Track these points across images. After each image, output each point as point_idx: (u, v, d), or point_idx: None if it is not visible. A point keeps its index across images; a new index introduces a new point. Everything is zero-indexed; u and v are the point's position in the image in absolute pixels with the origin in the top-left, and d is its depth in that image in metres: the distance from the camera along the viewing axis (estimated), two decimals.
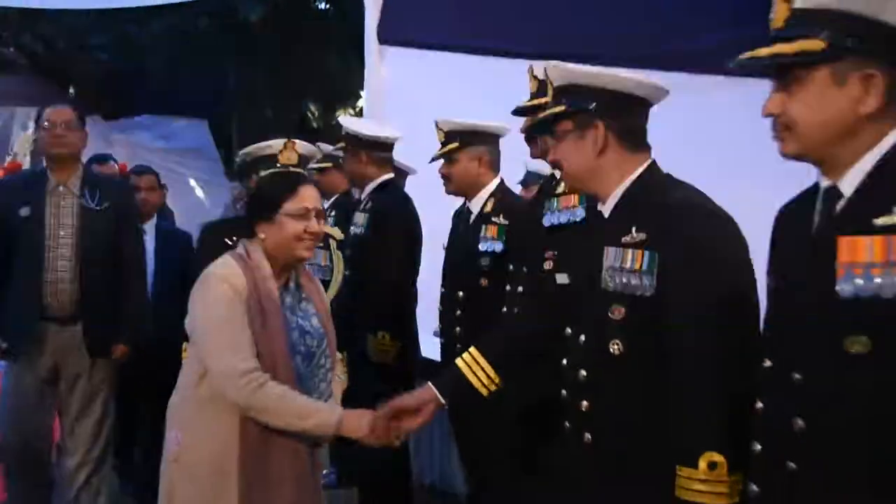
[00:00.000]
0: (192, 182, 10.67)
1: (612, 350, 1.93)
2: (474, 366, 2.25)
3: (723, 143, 3.73)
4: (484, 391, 2.24)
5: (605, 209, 2.01)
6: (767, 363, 1.58)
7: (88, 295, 3.58)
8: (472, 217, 3.31)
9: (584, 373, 2.00)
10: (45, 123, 3.66)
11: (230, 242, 2.85)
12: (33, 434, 3.63)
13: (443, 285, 3.43)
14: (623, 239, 1.95)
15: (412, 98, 4.91)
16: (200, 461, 2.30)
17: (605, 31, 5.21)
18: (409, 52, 5.19)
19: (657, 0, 4.72)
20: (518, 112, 2.88)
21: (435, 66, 5.15)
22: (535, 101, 2.75)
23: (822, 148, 1.53)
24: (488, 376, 2.24)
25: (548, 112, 2.03)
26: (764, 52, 1.54)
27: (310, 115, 10.92)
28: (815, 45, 1.48)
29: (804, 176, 1.61)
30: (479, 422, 3.07)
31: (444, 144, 3.35)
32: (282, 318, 2.37)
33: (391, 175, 3.83)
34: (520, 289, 2.68)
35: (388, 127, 3.98)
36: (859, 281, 1.39)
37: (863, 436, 1.40)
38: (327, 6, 11.08)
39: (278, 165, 3.14)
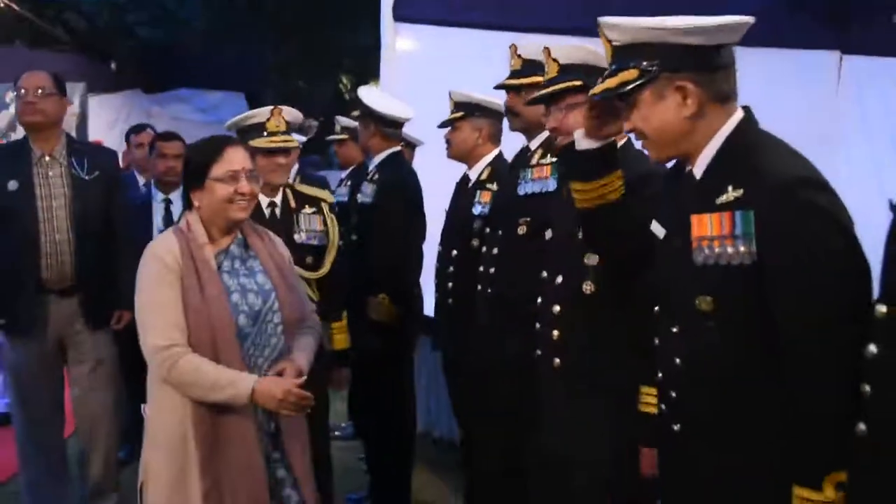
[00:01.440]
0: None
1: (584, 290, 2.32)
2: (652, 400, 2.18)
3: None
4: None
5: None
6: (657, 310, 1.92)
7: (85, 266, 3.52)
8: (470, 184, 3.60)
9: (557, 308, 2.38)
10: (19, 91, 3.51)
11: None
12: (42, 409, 3.59)
13: (440, 244, 3.73)
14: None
15: (426, 72, 5.13)
16: (163, 431, 2.36)
17: (621, 3, 5.42)
18: (423, 28, 5.42)
19: None
20: (503, 86, 3.04)
21: (449, 40, 5.39)
22: (525, 80, 2.94)
23: (670, 148, 1.85)
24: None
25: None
26: (597, 88, 1.88)
27: (342, 87, 11.19)
28: (631, 74, 1.79)
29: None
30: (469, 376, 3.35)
31: (452, 113, 3.64)
32: (219, 283, 2.40)
33: (398, 148, 4.06)
34: (495, 250, 2.98)
35: (401, 105, 4.09)
36: (706, 251, 1.70)
37: (715, 380, 1.72)
38: None
39: (265, 133, 3.20)
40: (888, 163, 6.55)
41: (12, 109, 10.32)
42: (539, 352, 2.45)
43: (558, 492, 2.48)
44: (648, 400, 2.13)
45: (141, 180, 4.83)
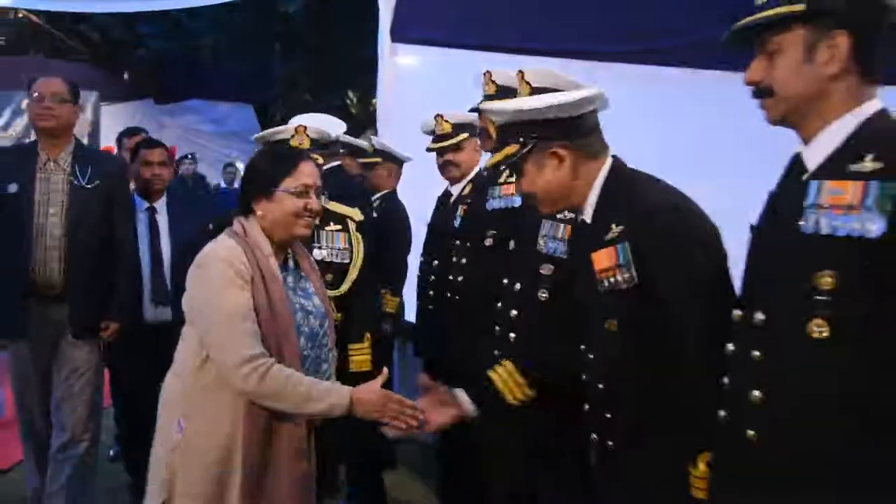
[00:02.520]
0: (239, 164, 11.26)
1: (540, 296, 2.56)
2: (509, 380, 2.36)
3: (725, 134, 4.00)
4: (515, 403, 2.35)
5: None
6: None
7: (74, 274, 3.49)
8: (452, 199, 3.84)
9: (514, 312, 2.63)
10: (35, 95, 3.50)
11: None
12: (36, 414, 3.60)
13: (422, 255, 3.99)
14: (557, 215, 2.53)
15: (421, 92, 5.37)
16: (207, 447, 2.23)
17: (612, 28, 5.66)
18: (419, 49, 5.67)
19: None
20: (477, 109, 3.16)
21: (445, 61, 5.64)
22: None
23: (558, 203, 2.10)
24: (522, 391, 2.35)
25: (503, 155, 2.10)
26: (487, 163, 2.06)
27: (348, 101, 11.51)
28: (513, 148, 2.03)
29: None
30: None
31: (449, 136, 3.83)
32: (287, 298, 2.32)
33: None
34: (464, 260, 3.24)
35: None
36: (605, 282, 1.98)
37: (628, 387, 1.98)
38: None
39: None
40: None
41: (88, 115, 10.77)
42: (497, 352, 2.70)
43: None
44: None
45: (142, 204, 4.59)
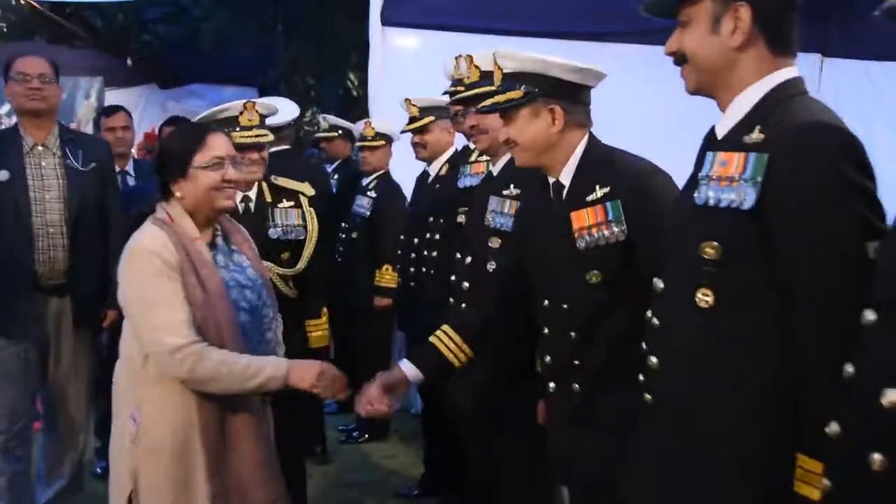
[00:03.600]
0: None
1: (488, 268, 2.76)
2: (448, 342, 2.50)
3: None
4: (457, 363, 2.50)
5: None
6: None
7: (79, 261, 3.38)
8: (430, 179, 4.05)
9: (466, 284, 2.84)
10: (17, 75, 3.35)
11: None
12: (16, 411, 3.40)
13: (402, 234, 4.20)
14: (504, 191, 2.74)
15: (412, 75, 5.54)
16: (163, 439, 2.25)
17: (602, 8, 5.81)
18: (410, 32, 5.84)
19: None
20: (458, 101, 3.23)
21: (435, 44, 5.80)
22: (479, 90, 3.02)
23: (536, 157, 2.28)
24: (462, 350, 2.50)
25: (505, 97, 2.26)
26: (486, 102, 2.29)
27: (350, 84, 11.65)
28: (517, 94, 2.20)
29: None
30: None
31: (416, 119, 4.07)
32: (219, 278, 2.32)
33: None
34: (437, 236, 3.44)
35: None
36: (586, 238, 2.20)
37: (603, 334, 2.19)
38: None
39: (238, 128, 3.10)
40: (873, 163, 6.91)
41: (92, 101, 10.93)
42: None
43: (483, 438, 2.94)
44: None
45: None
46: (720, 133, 1.71)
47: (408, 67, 5.68)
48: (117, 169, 4.18)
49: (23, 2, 9.81)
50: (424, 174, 4.15)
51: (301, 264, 3.34)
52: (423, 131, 4.08)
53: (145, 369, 2.27)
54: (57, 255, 3.35)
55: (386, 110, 5.32)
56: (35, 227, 3.31)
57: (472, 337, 2.49)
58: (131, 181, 4.54)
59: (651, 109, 4.90)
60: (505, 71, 2.30)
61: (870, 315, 1.28)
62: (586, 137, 2.29)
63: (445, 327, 2.50)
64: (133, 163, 4.81)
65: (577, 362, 2.21)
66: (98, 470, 4.36)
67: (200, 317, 2.24)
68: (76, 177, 3.42)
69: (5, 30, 11.24)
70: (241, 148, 3.02)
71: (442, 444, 3.93)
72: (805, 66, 6.44)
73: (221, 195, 2.35)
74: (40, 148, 3.40)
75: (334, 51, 11.05)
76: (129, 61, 11.45)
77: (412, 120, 4.07)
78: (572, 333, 2.21)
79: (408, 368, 2.46)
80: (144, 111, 10.79)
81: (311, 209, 3.44)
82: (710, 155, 1.67)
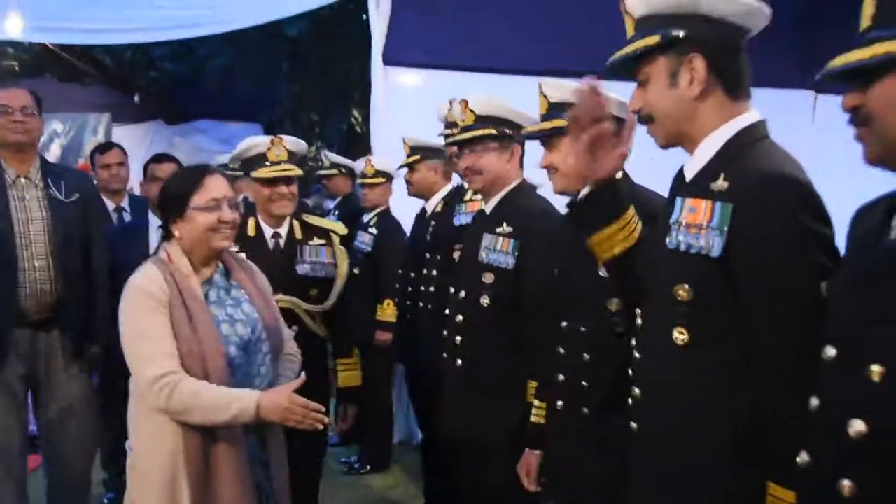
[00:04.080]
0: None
1: (482, 302, 2.86)
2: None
3: None
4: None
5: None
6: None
7: (67, 294, 3.34)
8: (427, 215, 4.21)
9: (460, 317, 2.95)
10: (2, 108, 3.31)
11: None
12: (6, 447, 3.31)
13: (401, 269, 4.35)
14: (497, 229, 2.88)
15: (413, 113, 5.72)
16: (151, 467, 2.33)
17: (599, 47, 5.99)
18: (411, 71, 6.04)
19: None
20: (452, 143, 3.24)
21: (436, 82, 6.00)
22: (475, 133, 3.04)
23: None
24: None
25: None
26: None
27: (354, 120, 11.87)
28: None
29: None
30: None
31: (407, 157, 4.27)
32: (209, 313, 2.39)
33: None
34: (434, 272, 3.58)
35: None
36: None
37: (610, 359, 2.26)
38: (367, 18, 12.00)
39: (267, 163, 3.20)
40: (868, 197, 7.05)
41: (100, 137, 11.13)
42: (445, 354, 3.04)
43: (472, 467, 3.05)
44: (531, 392, 2.70)
45: (110, 205, 4.74)
46: (688, 176, 1.81)
47: (409, 105, 5.85)
48: (113, 205, 4.37)
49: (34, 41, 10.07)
50: (422, 211, 4.31)
51: (330, 302, 3.36)
52: (411, 169, 4.27)
53: (142, 400, 2.36)
54: (44, 289, 3.31)
55: (387, 147, 5.48)
56: (20, 260, 3.27)
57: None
58: (127, 217, 4.64)
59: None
60: (551, 101, 2.55)
61: (830, 350, 1.36)
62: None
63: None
64: (129, 198, 4.87)
65: (585, 384, 2.28)
66: (105, 501, 4.47)
67: (186, 350, 2.31)
68: (60, 208, 3.39)
69: (17, 68, 11.50)
70: (269, 182, 3.22)
71: (441, 474, 4.04)
72: (799, 103, 6.66)
73: (218, 235, 2.42)
74: (23, 180, 3.37)
75: (338, 88, 11.28)
76: (136, 98, 11.72)
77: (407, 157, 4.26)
78: (586, 356, 2.32)
79: None
80: (151, 146, 10.99)
81: (343, 248, 3.49)
82: (679, 200, 1.78)
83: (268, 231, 3.30)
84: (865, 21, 1.30)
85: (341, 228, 3.56)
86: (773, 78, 6.66)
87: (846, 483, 1.27)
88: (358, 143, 11.20)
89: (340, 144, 12.11)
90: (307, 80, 11.59)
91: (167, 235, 2.48)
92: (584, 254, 2.11)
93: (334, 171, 5.84)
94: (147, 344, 2.30)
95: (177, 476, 2.30)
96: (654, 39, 1.76)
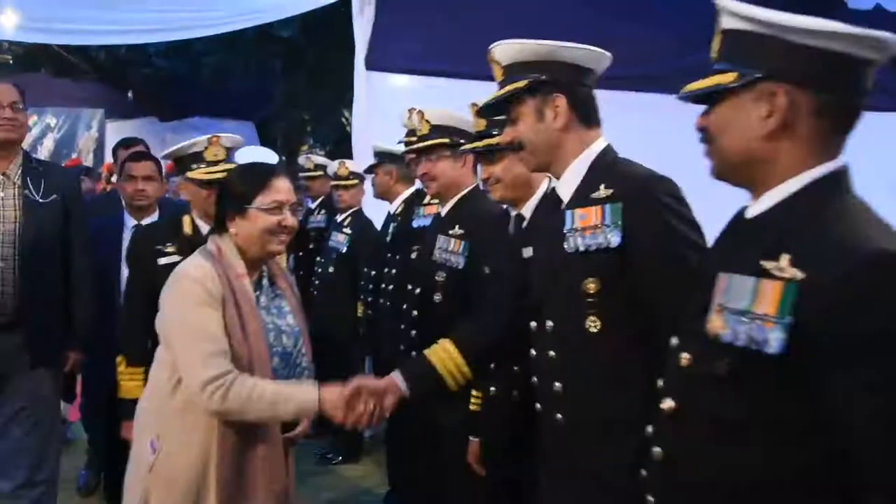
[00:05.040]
0: None
1: (434, 298, 3.13)
2: (448, 360, 2.32)
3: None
4: (454, 386, 2.34)
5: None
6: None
7: (31, 297, 3.23)
8: (389, 217, 4.51)
9: (415, 312, 3.22)
10: None
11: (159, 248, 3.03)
12: None
13: (365, 267, 4.64)
14: (450, 231, 3.15)
15: (393, 115, 5.98)
16: (180, 470, 2.25)
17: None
18: (392, 77, 6.30)
19: (618, 31, 5.75)
20: (410, 151, 3.44)
21: (417, 87, 6.27)
22: (430, 142, 3.28)
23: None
24: (461, 371, 2.32)
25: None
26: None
27: (344, 120, 12.15)
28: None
29: None
30: None
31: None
32: (259, 318, 2.33)
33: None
34: (393, 270, 3.86)
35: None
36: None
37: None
38: None
39: (204, 163, 3.11)
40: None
41: (93, 132, 11.37)
42: (402, 347, 3.31)
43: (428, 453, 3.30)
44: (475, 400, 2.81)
45: (130, 222, 4.18)
46: (565, 195, 2.12)
47: (390, 110, 6.11)
48: (133, 222, 3.97)
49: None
50: (388, 213, 4.61)
51: None
52: (375, 173, 4.58)
53: (172, 398, 2.28)
54: (6, 290, 3.19)
55: (368, 150, 5.76)
56: None
57: (474, 357, 2.35)
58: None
59: (644, 152, 5.31)
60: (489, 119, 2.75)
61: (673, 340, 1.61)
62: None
63: (446, 342, 2.35)
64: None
65: (558, 385, 2.22)
66: (81, 482, 4.64)
67: (236, 352, 2.24)
68: (34, 209, 3.28)
69: (11, 62, 11.77)
70: (205, 183, 3.08)
71: (405, 464, 4.30)
72: None
73: (275, 239, 2.37)
74: (1, 177, 3.28)
75: (330, 87, 11.55)
76: (130, 94, 11.97)
77: None
78: (550, 353, 2.32)
79: (399, 381, 2.31)
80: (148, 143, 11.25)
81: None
82: (568, 213, 2.07)
83: (204, 230, 3.14)
84: (713, 53, 1.51)
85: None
86: None
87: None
88: (348, 144, 11.46)
89: (332, 142, 12.40)
90: (299, 80, 11.88)
91: (219, 229, 2.41)
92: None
93: (319, 172, 6.11)
94: (201, 341, 2.21)
95: (206, 482, 2.24)
96: (523, 83, 2.06)
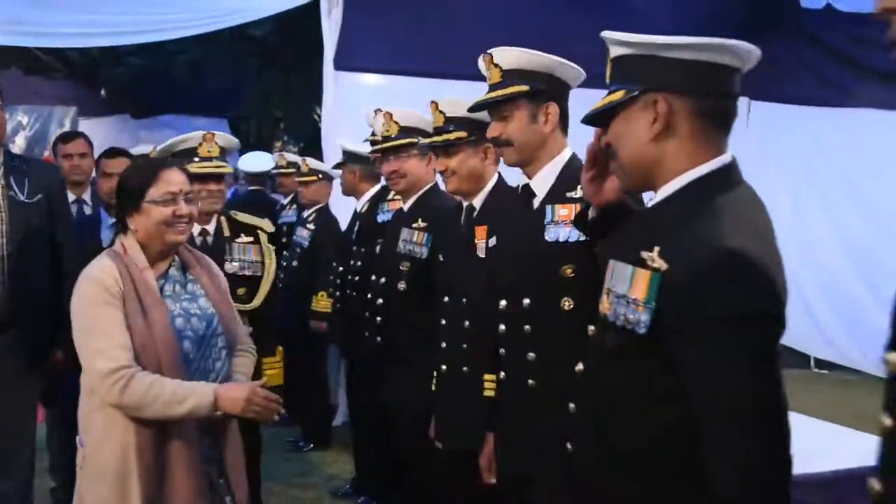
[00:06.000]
0: None
1: (399, 287, 3.39)
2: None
3: None
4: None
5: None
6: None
7: (24, 299, 3.20)
8: (356, 213, 4.76)
9: (380, 301, 3.48)
10: None
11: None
12: None
13: (334, 260, 4.90)
14: (413, 224, 3.41)
15: (362, 115, 6.21)
16: (104, 464, 2.32)
17: (564, 52, 6.50)
18: (361, 76, 6.55)
19: (591, 28, 6.00)
20: (376, 151, 3.77)
21: (386, 87, 6.52)
22: (397, 142, 3.64)
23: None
24: None
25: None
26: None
27: (316, 117, 12.33)
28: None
29: None
30: None
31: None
32: (163, 307, 2.39)
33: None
34: (358, 263, 4.12)
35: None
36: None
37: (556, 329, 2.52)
38: None
39: (197, 158, 3.22)
40: (793, 204, 7.65)
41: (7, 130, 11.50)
42: (366, 333, 3.57)
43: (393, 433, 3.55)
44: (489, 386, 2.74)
45: (70, 197, 4.13)
46: (540, 192, 2.44)
47: (359, 108, 6.33)
48: (73, 197, 4.03)
49: None
50: (355, 211, 4.86)
51: (256, 301, 3.43)
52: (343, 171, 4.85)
53: (93, 395, 2.36)
54: None
55: (338, 148, 5.99)
56: None
57: None
58: (87, 210, 4.39)
59: None
60: (448, 115, 3.04)
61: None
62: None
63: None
64: (91, 190, 4.59)
65: (530, 355, 2.47)
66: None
67: (139, 343, 2.31)
68: (20, 209, 3.26)
69: None
70: (200, 178, 3.16)
71: (370, 446, 4.55)
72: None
73: (172, 230, 2.44)
74: None
75: (302, 85, 11.74)
76: (102, 92, 12.13)
77: None
78: (526, 327, 2.53)
79: None
80: (118, 141, 11.32)
81: (270, 246, 3.57)
82: (548, 208, 2.41)
83: (195, 228, 3.28)
84: (608, 77, 1.75)
85: (268, 226, 3.64)
86: None
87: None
88: (320, 141, 11.65)
89: (305, 141, 12.58)
90: (273, 77, 12.04)
91: (123, 228, 2.49)
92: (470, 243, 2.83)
93: (291, 169, 6.35)
94: (100, 337, 2.30)
95: (128, 471, 2.30)
96: (524, 88, 2.38)
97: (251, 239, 3.49)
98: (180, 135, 10.65)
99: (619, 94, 1.68)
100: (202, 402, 2.28)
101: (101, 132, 11.61)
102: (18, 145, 11.49)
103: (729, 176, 1.63)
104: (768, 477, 1.42)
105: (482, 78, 5.68)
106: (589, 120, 1.80)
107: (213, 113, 12.52)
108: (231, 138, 3.50)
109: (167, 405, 2.25)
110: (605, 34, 1.73)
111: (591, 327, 1.81)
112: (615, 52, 1.72)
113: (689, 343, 1.46)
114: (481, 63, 2.50)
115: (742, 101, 5.82)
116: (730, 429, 1.42)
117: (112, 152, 4.13)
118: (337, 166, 4.91)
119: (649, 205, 1.74)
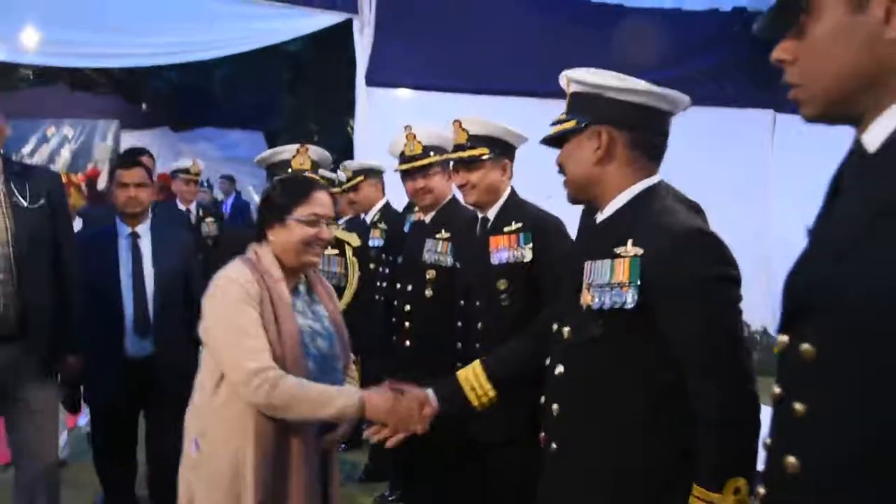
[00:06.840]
0: (250, 188, 12.57)
1: (426, 294, 3.62)
2: (473, 380, 2.48)
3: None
4: (477, 402, 2.45)
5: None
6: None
7: (32, 308, 3.16)
8: (368, 224, 4.97)
9: (407, 307, 3.69)
10: None
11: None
12: None
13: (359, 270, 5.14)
14: (437, 235, 3.65)
15: (393, 130, 6.42)
16: (220, 468, 2.31)
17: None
18: (392, 92, 6.80)
19: (612, 38, 6.21)
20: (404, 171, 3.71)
21: (416, 101, 6.77)
22: (424, 161, 3.66)
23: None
24: (483, 389, 2.45)
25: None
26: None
27: (349, 130, 12.64)
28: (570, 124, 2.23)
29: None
30: None
31: (349, 180, 5.07)
32: (294, 320, 2.39)
33: None
34: (387, 270, 4.35)
35: None
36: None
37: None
38: None
39: (290, 170, 3.25)
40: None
41: (109, 143, 11.93)
42: (395, 338, 3.79)
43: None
44: None
45: (124, 230, 3.80)
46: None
47: (391, 124, 6.55)
48: (128, 230, 3.76)
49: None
50: (363, 221, 5.03)
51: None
52: (355, 190, 5.05)
53: (215, 396, 2.34)
54: (6, 303, 3.12)
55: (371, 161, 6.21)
56: None
57: (500, 378, 2.50)
58: (145, 245, 3.79)
59: None
60: (471, 133, 3.18)
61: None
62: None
63: (476, 363, 2.54)
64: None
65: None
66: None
67: (271, 352, 2.30)
68: (23, 215, 3.20)
69: (31, 77, 12.31)
70: None
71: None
72: (758, 121, 7.26)
73: (310, 251, 2.45)
74: None
75: (335, 99, 12.04)
76: (143, 106, 12.54)
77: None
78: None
79: (433, 399, 2.43)
80: (158, 153, 11.71)
81: (355, 259, 3.64)
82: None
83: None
84: (566, 106, 2.05)
85: (355, 240, 3.70)
86: (733, 98, 7.39)
87: None
88: (353, 154, 11.93)
89: (339, 153, 12.86)
90: (306, 92, 12.37)
91: (260, 238, 2.49)
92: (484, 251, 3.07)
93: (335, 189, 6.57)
94: (245, 337, 2.28)
95: (242, 475, 2.29)
96: (573, 123, 2.13)
97: (336, 252, 3.63)
98: (217, 147, 10.66)
99: (571, 123, 2.01)
100: (349, 405, 2.27)
101: (142, 144, 11.93)
102: (64, 158, 11.87)
103: (661, 191, 1.98)
104: (742, 385, 1.75)
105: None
106: (546, 141, 2.12)
107: (250, 126, 12.89)
108: (323, 152, 3.55)
109: (316, 406, 2.25)
110: (566, 73, 2.04)
111: (567, 329, 2.05)
112: (572, 88, 2.04)
113: (671, 302, 1.80)
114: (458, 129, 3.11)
115: (768, 114, 6.03)
116: (711, 356, 1.77)
117: (128, 162, 3.86)
118: (345, 187, 5.06)
119: (601, 218, 2.04)
